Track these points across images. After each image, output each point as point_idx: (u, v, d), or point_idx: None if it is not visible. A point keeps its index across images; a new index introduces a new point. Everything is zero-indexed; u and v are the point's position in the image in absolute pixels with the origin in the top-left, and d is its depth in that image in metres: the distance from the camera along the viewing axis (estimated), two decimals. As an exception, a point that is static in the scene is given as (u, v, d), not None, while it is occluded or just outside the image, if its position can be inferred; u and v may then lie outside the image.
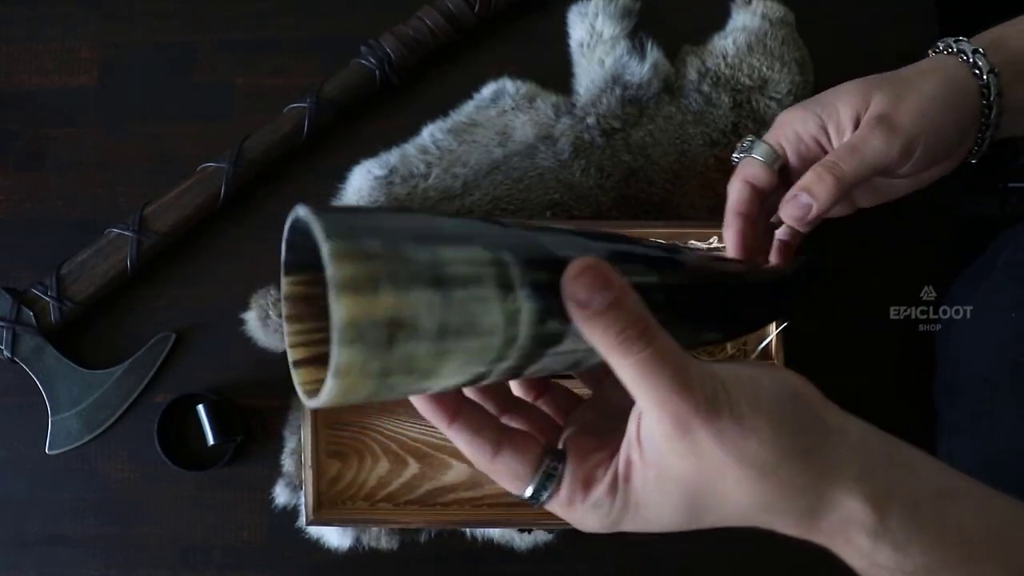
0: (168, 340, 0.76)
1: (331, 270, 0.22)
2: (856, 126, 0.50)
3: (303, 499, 0.71)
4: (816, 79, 0.76)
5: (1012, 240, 0.65)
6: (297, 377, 0.28)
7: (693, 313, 0.36)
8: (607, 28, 0.75)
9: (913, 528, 0.31)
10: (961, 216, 0.77)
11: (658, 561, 0.75)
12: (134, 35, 0.80)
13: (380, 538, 0.74)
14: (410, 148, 0.75)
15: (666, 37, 0.75)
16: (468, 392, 0.35)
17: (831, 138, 0.52)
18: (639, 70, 0.74)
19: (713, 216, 0.71)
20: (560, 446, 0.34)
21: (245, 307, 0.74)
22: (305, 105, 0.74)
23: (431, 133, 0.75)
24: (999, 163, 0.77)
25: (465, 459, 0.74)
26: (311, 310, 0.29)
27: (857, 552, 0.32)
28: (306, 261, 0.28)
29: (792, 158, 0.53)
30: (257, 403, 0.76)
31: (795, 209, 0.49)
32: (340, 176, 0.76)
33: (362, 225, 0.24)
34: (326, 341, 0.25)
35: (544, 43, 0.78)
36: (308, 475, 0.70)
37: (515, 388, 0.38)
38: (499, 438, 0.32)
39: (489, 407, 0.35)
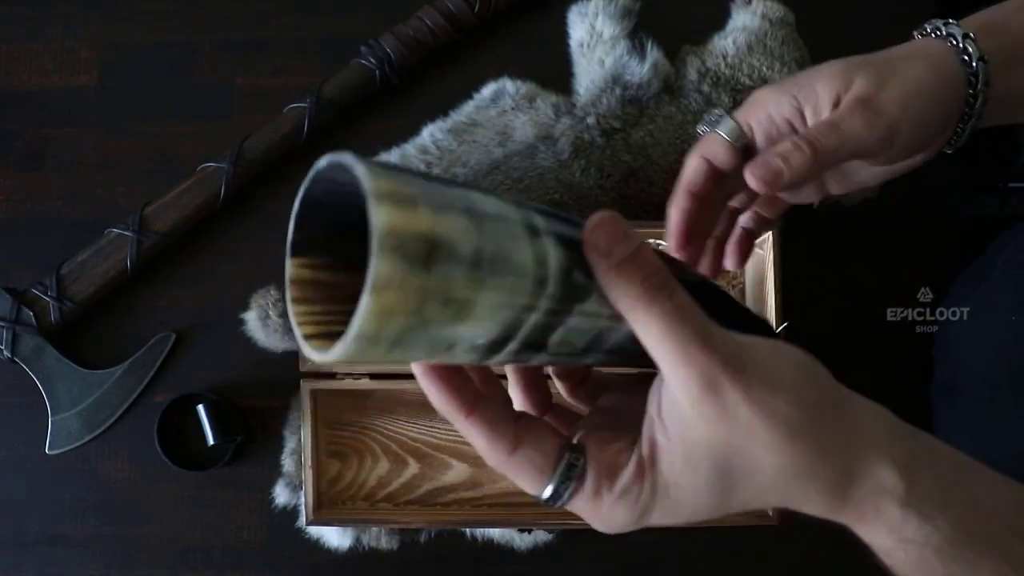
0: (168, 340, 0.76)
1: (369, 182, 0.22)
2: (835, 108, 0.46)
3: (303, 499, 0.71)
4: (816, 79, 0.76)
5: (1012, 241, 0.65)
6: (308, 347, 0.26)
7: None
8: (607, 28, 0.75)
9: (939, 497, 0.31)
10: (961, 216, 0.77)
11: (658, 561, 0.75)
12: (134, 35, 0.80)
13: (380, 538, 0.74)
14: (410, 148, 0.75)
15: (666, 37, 0.75)
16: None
17: (807, 121, 0.48)
18: (639, 70, 0.74)
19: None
20: (575, 442, 0.33)
21: (245, 307, 0.74)
22: (305, 105, 0.74)
23: (431, 133, 0.75)
24: (999, 163, 0.77)
25: (465, 459, 0.74)
26: (318, 294, 0.28)
27: (886, 525, 0.31)
28: (314, 243, 0.28)
29: (760, 140, 0.49)
30: (257, 403, 0.76)
31: (764, 171, 0.44)
32: (340, 176, 0.76)
33: (395, 169, 0.24)
34: (337, 322, 0.24)
35: (544, 43, 0.78)
36: (308, 475, 0.70)
37: (519, 403, 0.37)
38: (518, 432, 0.31)
39: None
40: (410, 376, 0.69)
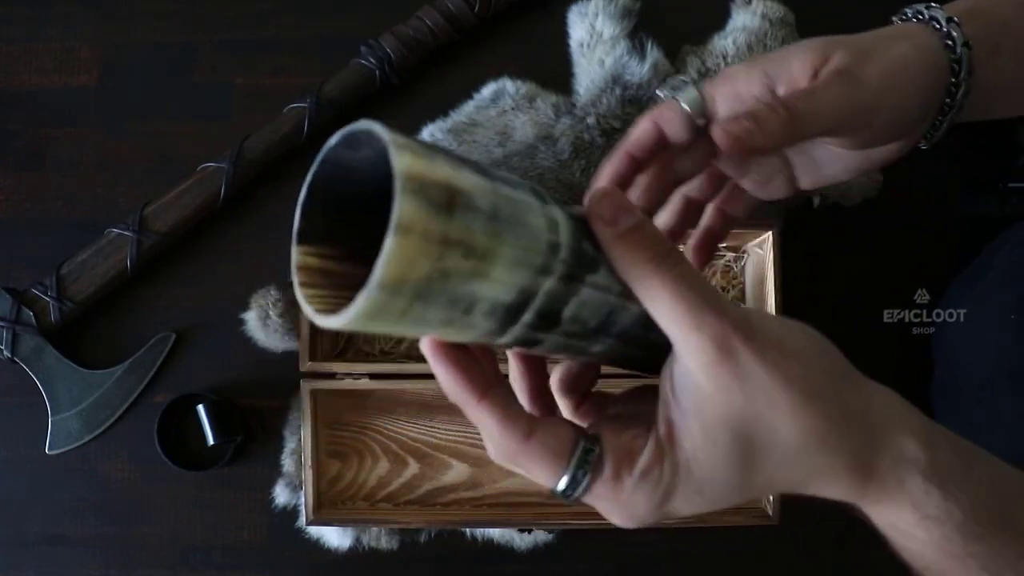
0: (168, 340, 0.76)
1: (388, 135, 0.23)
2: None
3: (303, 499, 0.71)
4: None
5: (1009, 240, 0.65)
6: (321, 318, 0.25)
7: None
8: (607, 28, 0.75)
9: (959, 472, 0.31)
10: (960, 216, 0.77)
11: (658, 561, 0.75)
12: (134, 35, 0.80)
13: (380, 538, 0.74)
14: (410, 148, 0.75)
15: (666, 37, 0.75)
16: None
17: None
18: (639, 70, 0.74)
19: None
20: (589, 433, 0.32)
21: (245, 307, 0.74)
22: (305, 105, 0.74)
23: (431, 133, 0.75)
24: (999, 163, 0.77)
25: (465, 459, 0.74)
26: (326, 281, 0.27)
27: (911, 501, 0.30)
28: (321, 233, 0.27)
29: (723, 116, 0.43)
30: (257, 403, 0.76)
31: (735, 125, 0.39)
32: (340, 176, 0.76)
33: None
34: (348, 299, 0.24)
35: (544, 43, 0.78)
36: (308, 475, 0.70)
37: (525, 405, 0.36)
38: (531, 417, 0.30)
39: None
40: (410, 376, 0.69)
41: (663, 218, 0.47)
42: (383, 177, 0.24)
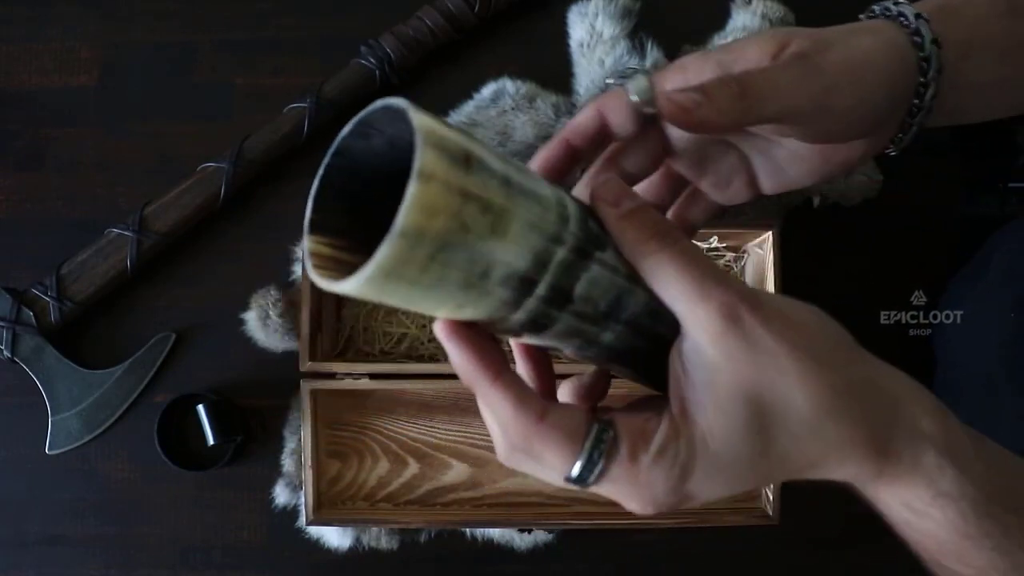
0: (168, 340, 0.76)
1: (406, 103, 0.25)
2: None
3: (303, 499, 0.71)
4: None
5: (1007, 239, 0.65)
6: (336, 284, 0.25)
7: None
8: (607, 28, 0.75)
9: (971, 449, 0.30)
10: (960, 216, 0.77)
11: (658, 561, 0.75)
12: (134, 35, 0.80)
13: (380, 538, 0.74)
14: (410, 148, 0.75)
15: (666, 37, 0.75)
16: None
17: None
18: (639, 70, 0.74)
19: (713, 216, 0.71)
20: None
21: (245, 307, 0.74)
22: (305, 105, 0.74)
23: (431, 133, 0.75)
24: (999, 163, 0.77)
25: (465, 459, 0.74)
26: (338, 267, 0.28)
27: (925, 478, 0.30)
28: (331, 225, 0.28)
29: None
30: (257, 403, 0.76)
31: (682, 96, 0.36)
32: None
33: None
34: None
35: (544, 43, 0.78)
36: (308, 475, 0.70)
37: None
38: (544, 400, 0.30)
39: None
40: (410, 376, 0.69)
41: None
42: (393, 170, 0.24)
